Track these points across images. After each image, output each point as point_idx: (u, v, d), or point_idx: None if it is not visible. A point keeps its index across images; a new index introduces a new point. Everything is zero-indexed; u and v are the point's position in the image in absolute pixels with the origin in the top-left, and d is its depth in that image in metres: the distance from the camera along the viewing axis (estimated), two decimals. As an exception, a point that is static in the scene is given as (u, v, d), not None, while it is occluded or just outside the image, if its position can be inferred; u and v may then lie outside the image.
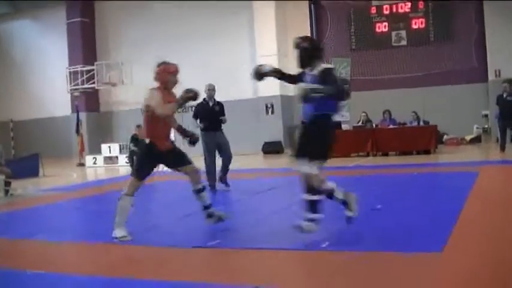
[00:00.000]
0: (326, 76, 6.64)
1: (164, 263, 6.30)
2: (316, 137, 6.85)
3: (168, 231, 8.17)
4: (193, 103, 8.97)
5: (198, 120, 12.26)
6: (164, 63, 8.12)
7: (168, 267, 6.12)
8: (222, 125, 12.25)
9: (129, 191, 7.68)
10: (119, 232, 7.50)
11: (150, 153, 7.77)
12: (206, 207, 7.92)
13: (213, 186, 11.86)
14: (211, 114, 12.18)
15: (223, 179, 12.16)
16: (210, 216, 7.90)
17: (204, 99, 12.23)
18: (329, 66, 7.08)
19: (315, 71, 6.76)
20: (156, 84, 7.97)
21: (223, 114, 12.33)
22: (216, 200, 8.77)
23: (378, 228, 7.47)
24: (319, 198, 6.93)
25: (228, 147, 12.25)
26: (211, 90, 12.38)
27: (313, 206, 6.91)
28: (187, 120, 11.64)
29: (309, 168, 6.75)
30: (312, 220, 6.86)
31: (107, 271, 6.07)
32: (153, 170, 7.98)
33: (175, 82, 8.07)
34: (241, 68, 26.88)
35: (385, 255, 5.97)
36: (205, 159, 12.14)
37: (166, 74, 8.04)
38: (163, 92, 7.79)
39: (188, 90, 7.83)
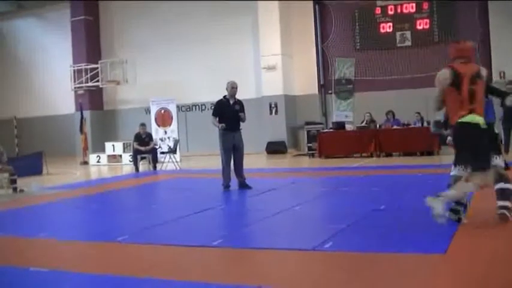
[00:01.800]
0: None
1: (167, 261, 6.31)
2: None
3: (172, 230, 8.17)
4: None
5: (217, 119, 12.14)
6: None
7: (171, 266, 6.12)
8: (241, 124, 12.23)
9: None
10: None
11: None
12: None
13: (227, 186, 11.84)
14: (232, 114, 12.07)
15: (242, 179, 12.07)
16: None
17: (225, 96, 12.16)
18: None
19: None
20: None
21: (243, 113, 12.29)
22: (219, 199, 8.76)
23: (381, 229, 7.46)
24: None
25: (243, 149, 12.29)
26: (234, 88, 12.26)
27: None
28: (207, 118, 11.56)
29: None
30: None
31: (111, 269, 6.07)
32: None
33: None
34: (245, 68, 26.92)
35: (388, 256, 5.97)
36: (222, 158, 12.10)
37: None
38: None
39: None
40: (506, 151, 17.52)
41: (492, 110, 8.10)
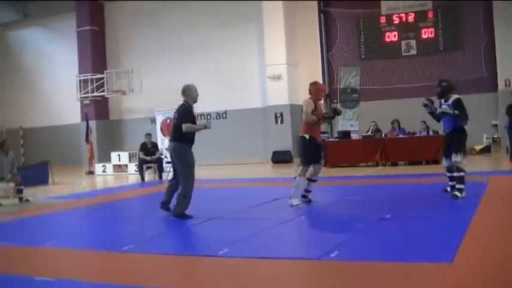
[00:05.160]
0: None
1: (172, 271, 6.31)
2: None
3: (177, 239, 8.17)
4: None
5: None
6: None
7: (176, 276, 6.12)
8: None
9: (301, 174, 10.66)
10: (294, 201, 10.53)
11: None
12: (307, 191, 10.88)
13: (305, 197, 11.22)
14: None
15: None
16: (304, 197, 10.86)
17: (188, 103, 11.69)
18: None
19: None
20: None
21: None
22: (224, 208, 8.76)
23: (387, 237, 7.45)
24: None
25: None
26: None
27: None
28: (212, 127, 11.22)
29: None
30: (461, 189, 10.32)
31: (116, 279, 6.07)
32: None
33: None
34: (250, 77, 26.95)
35: (394, 265, 5.95)
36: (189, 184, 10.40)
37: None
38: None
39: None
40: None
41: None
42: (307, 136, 10.75)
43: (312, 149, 10.79)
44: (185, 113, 10.11)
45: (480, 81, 23.26)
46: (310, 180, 10.92)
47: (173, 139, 10.13)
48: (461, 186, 10.35)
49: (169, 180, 10.75)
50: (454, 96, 10.70)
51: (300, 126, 11.26)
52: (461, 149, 10.68)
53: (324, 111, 11.39)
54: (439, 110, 10.93)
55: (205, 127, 10.41)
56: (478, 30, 23.65)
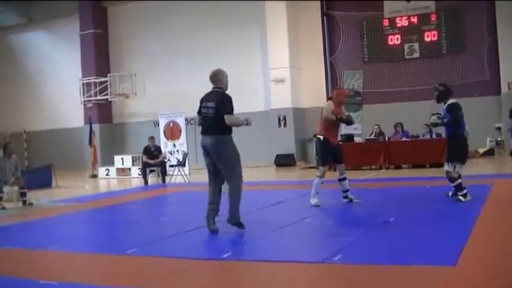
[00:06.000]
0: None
1: (176, 274, 6.31)
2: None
3: (181, 243, 8.16)
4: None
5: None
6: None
7: (180, 279, 6.12)
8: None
9: (320, 174, 10.96)
10: (312, 200, 10.89)
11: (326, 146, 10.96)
12: (345, 191, 11.21)
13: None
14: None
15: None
16: (345, 197, 11.21)
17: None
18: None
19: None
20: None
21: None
22: (227, 211, 8.74)
23: (390, 241, 7.45)
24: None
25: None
26: None
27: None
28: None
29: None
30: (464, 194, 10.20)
31: (119, 281, 6.08)
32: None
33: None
34: (253, 81, 26.95)
35: (398, 269, 5.95)
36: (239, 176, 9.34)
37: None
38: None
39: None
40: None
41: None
42: (321, 137, 11.01)
43: (327, 150, 11.00)
44: (226, 102, 8.59)
45: (483, 84, 23.26)
46: (340, 180, 11.17)
47: (212, 132, 8.52)
48: (462, 192, 10.24)
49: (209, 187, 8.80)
50: (450, 101, 10.50)
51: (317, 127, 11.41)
52: (454, 158, 10.34)
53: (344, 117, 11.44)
54: (430, 121, 10.92)
55: (247, 123, 8.84)
56: (481, 33, 23.65)
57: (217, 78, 9.01)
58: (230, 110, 8.52)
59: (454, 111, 10.32)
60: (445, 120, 10.40)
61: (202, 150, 8.67)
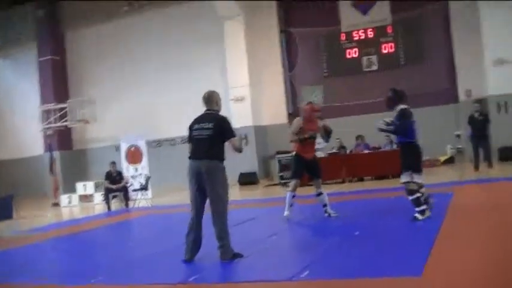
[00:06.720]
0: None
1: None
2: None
3: (146, 269, 8.05)
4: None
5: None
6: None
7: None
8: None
9: (291, 189, 11.30)
10: (285, 213, 11.26)
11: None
12: (323, 206, 11.22)
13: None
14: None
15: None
16: (325, 211, 11.16)
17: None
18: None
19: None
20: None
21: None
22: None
23: (356, 254, 7.44)
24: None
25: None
26: None
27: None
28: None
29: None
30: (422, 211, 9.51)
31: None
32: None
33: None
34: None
35: (365, 282, 5.95)
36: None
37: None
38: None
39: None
40: (476, 169, 17.67)
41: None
42: (294, 152, 11.40)
43: (297, 164, 11.31)
44: (229, 125, 8.16)
45: (442, 93, 23.57)
46: (317, 195, 11.28)
47: (209, 157, 7.97)
48: (420, 208, 9.54)
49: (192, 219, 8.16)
50: (400, 107, 9.85)
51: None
52: (406, 168, 9.78)
53: (321, 129, 11.55)
54: (376, 126, 10.03)
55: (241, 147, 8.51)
56: (437, 43, 23.99)
57: (212, 99, 8.31)
58: (234, 133, 8.11)
59: (403, 117, 9.74)
60: (391, 127, 9.86)
61: (194, 175, 8.01)
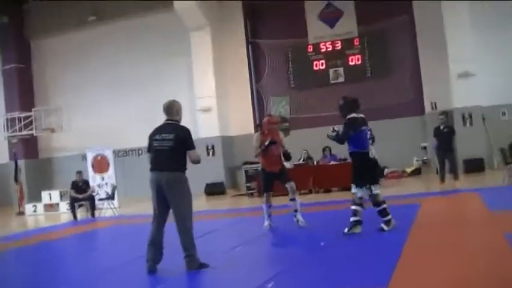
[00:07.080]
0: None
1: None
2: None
3: (111, 280, 7.95)
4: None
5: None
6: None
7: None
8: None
9: (264, 201, 11.53)
10: (265, 223, 11.40)
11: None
12: (295, 211, 11.37)
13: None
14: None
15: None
16: (295, 216, 11.32)
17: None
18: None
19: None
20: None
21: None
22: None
23: (322, 265, 7.45)
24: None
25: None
26: None
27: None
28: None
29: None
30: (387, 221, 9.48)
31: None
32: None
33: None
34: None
35: (330, 293, 5.94)
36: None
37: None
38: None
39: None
40: (442, 180, 17.81)
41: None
42: (260, 166, 11.76)
43: (264, 178, 11.55)
44: (189, 136, 8.06)
45: (408, 105, 23.76)
46: (291, 200, 11.42)
47: (169, 168, 7.90)
48: (386, 218, 9.54)
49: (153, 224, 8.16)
50: (349, 115, 9.77)
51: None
52: (355, 180, 9.69)
53: (282, 141, 11.63)
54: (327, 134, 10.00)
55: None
56: (403, 56, 24.20)
57: (173, 109, 8.19)
58: (193, 145, 8.04)
59: (346, 125, 9.64)
60: (334, 133, 9.84)
61: (155, 187, 7.94)
